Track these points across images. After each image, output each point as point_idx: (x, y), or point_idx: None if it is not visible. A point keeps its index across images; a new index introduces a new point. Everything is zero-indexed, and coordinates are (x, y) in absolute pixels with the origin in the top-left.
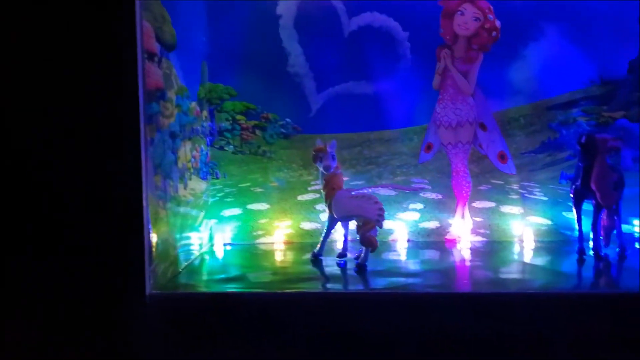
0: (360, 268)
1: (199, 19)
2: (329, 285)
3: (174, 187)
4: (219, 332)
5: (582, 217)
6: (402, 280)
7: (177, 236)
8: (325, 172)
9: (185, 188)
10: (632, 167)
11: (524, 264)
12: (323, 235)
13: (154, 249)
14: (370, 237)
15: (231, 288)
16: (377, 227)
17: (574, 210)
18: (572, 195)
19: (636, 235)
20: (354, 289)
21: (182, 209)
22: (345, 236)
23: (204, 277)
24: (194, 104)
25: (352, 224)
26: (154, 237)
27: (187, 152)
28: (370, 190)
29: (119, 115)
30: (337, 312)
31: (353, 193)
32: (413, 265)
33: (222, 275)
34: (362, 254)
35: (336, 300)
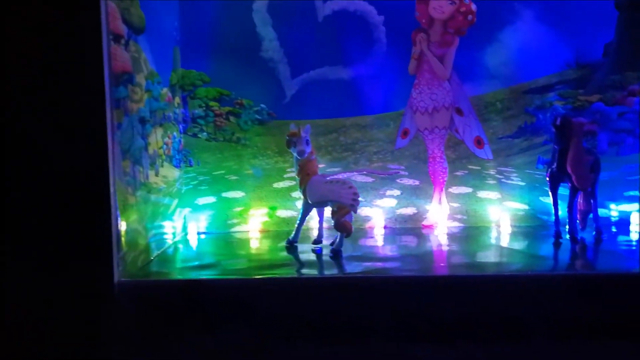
0: (335, 253)
1: (170, 3)
2: (303, 271)
3: (144, 174)
4: (191, 320)
5: (559, 201)
6: (378, 264)
7: (149, 224)
8: (299, 158)
9: (156, 175)
10: (608, 151)
11: (501, 248)
12: (298, 221)
13: (122, 236)
14: (344, 223)
15: (204, 275)
16: (352, 213)
17: (550, 193)
18: (547, 179)
19: (613, 219)
20: (328, 274)
21: (153, 197)
22: (321, 222)
23: (177, 265)
24: (165, 90)
25: (328, 212)
26: (122, 224)
27: (158, 138)
28: (345, 175)
29: (83, 98)
30: (311, 297)
31: (328, 179)
32: (390, 251)
33: (195, 263)
34: (337, 240)
35: (310, 285)
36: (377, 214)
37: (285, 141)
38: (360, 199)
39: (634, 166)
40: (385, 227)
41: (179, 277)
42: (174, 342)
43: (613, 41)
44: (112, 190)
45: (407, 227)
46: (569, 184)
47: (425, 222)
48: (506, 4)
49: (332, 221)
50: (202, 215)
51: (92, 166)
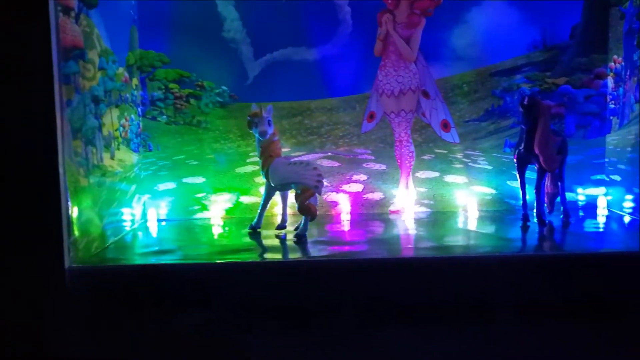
0: (300, 238)
1: None
2: (266, 256)
3: (97, 156)
4: (148, 307)
5: (526, 183)
6: (344, 248)
7: (104, 210)
8: (261, 139)
9: (112, 158)
10: (575, 134)
11: (469, 231)
12: (260, 206)
13: (74, 221)
14: (309, 205)
15: (162, 261)
16: (317, 195)
17: (517, 175)
18: (515, 160)
19: (580, 203)
20: (292, 258)
21: (108, 181)
22: (284, 207)
23: (134, 251)
24: (121, 70)
25: (292, 197)
26: (74, 208)
27: (114, 119)
28: (310, 157)
29: (29, 71)
30: (275, 281)
31: (292, 160)
32: (356, 235)
33: (154, 249)
34: (301, 224)
35: (274, 269)
36: (343, 199)
37: (247, 122)
38: (325, 182)
39: (600, 149)
40: (351, 213)
41: (135, 262)
42: (128, 330)
43: (580, 23)
44: (61, 171)
45: (374, 213)
46: (537, 166)
47: (392, 208)
48: None
49: (296, 205)
50: (162, 202)
51: (39, 145)
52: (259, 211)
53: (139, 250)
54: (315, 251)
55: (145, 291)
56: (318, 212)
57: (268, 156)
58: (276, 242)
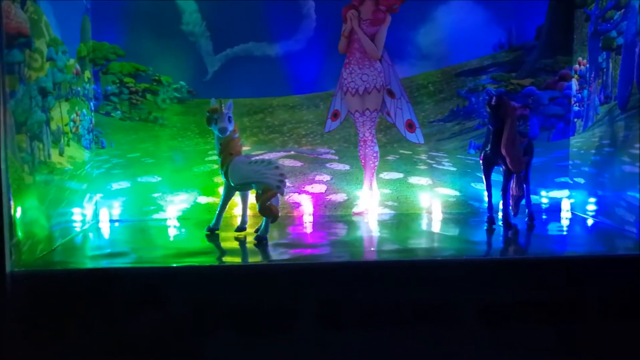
0: (260, 240)
1: None
2: (224, 259)
3: (45, 152)
4: (96, 313)
5: (492, 186)
6: (305, 251)
7: (51, 210)
8: (220, 136)
9: (61, 154)
10: (540, 136)
11: (433, 234)
12: (219, 207)
13: (16, 221)
14: (270, 206)
15: (112, 264)
16: (279, 195)
17: (483, 177)
18: (481, 161)
19: (543, 206)
20: (251, 262)
21: (56, 179)
22: (244, 208)
23: (83, 254)
24: (72, 61)
25: (252, 197)
26: (17, 208)
27: (63, 114)
28: (272, 156)
29: None
30: (233, 285)
31: (253, 159)
32: (318, 238)
33: (104, 251)
34: (262, 226)
35: (232, 272)
36: (305, 200)
37: (206, 118)
38: (287, 182)
39: (564, 152)
40: (314, 215)
41: (83, 266)
42: (75, 338)
43: (545, 24)
44: (2, 167)
45: (338, 214)
46: (503, 167)
47: (355, 209)
48: None
49: (257, 206)
50: (116, 202)
51: None
52: (217, 212)
53: (89, 253)
54: (275, 254)
55: (93, 297)
56: (280, 214)
57: (228, 154)
58: (235, 244)
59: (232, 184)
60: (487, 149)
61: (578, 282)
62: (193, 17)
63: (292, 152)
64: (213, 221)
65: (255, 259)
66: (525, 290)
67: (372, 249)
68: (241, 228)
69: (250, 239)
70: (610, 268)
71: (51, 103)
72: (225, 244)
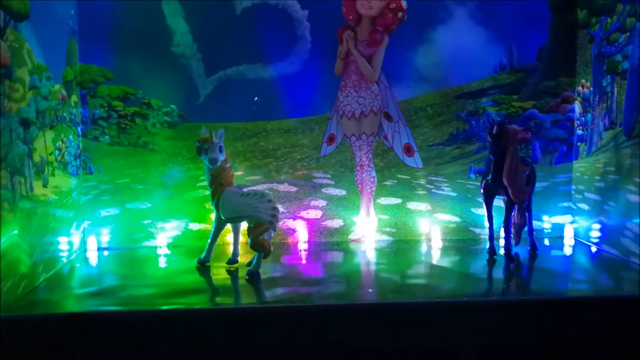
0: (252, 275)
1: None
2: (215, 299)
3: (27, 185)
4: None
5: (493, 216)
6: (299, 290)
7: (35, 242)
8: (211, 167)
9: (45, 186)
10: (542, 160)
11: (432, 267)
12: (210, 238)
13: None
14: (262, 242)
15: (95, 305)
16: (271, 231)
17: (484, 206)
18: (482, 191)
19: (546, 232)
20: (238, 304)
21: (40, 211)
22: (236, 240)
23: (67, 292)
24: (57, 87)
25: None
26: None
27: (48, 143)
28: (265, 187)
29: None
30: (223, 329)
31: (245, 190)
32: (313, 271)
33: (90, 289)
34: (254, 260)
35: (223, 315)
36: (301, 226)
37: (196, 148)
38: (280, 215)
39: (567, 176)
40: (309, 242)
41: (65, 309)
42: None
43: (547, 44)
44: None
45: (333, 241)
46: (505, 198)
47: (352, 236)
48: (439, 2)
49: (248, 240)
50: (104, 229)
51: None
52: (208, 243)
53: (73, 291)
54: (268, 293)
55: (75, 343)
56: (273, 242)
57: (218, 185)
58: (226, 280)
59: (223, 218)
60: (488, 178)
61: (581, 324)
62: (184, 38)
63: (286, 183)
64: (204, 253)
65: (246, 299)
66: (530, 333)
67: (369, 289)
68: (233, 260)
69: (242, 274)
70: (616, 308)
71: (34, 134)
72: (215, 279)
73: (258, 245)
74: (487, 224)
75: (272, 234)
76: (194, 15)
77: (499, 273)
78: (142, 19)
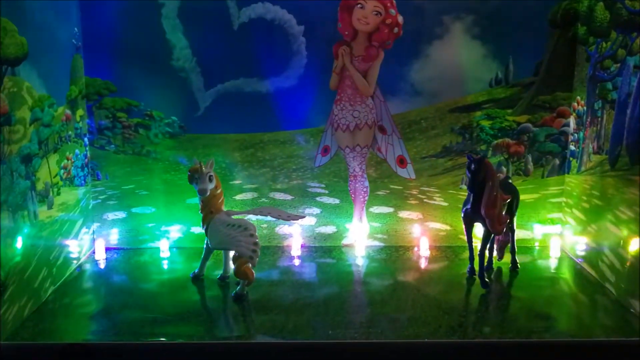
0: (239, 297)
1: (67, 8)
2: (199, 329)
3: (30, 215)
4: None
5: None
6: (283, 320)
7: (43, 259)
8: (200, 196)
9: (50, 208)
10: (534, 173)
11: (408, 296)
12: (202, 255)
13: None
14: (246, 270)
15: (85, 335)
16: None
17: (465, 231)
18: (462, 218)
19: (534, 241)
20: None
21: (46, 233)
22: (226, 259)
23: (68, 312)
24: (61, 109)
25: None
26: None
27: (52, 167)
28: (253, 217)
29: None
30: None
31: (231, 219)
32: (301, 292)
33: (88, 310)
34: (239, 286)
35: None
36: (296, 231)
37: (188, 176)
38: (258, 250)
39: (558, 188)
40: (303, 246)
41: (60, 340)
42: None
43: (544, 59)
44: None
45: (326, 246)
46: (484, 227)
47: (345, 241)
48: (435, 17)
49: (233, 268)
50: (112, 231)
51: None
52: (201, 259)
53: (75, 310)
54: (257, 323)
55: None
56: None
57: (208, 212)
58: (217, 303)
59: (210, 246)
60: (467, 207)
61: None
62: (184, 53)
63: (269, 217)
64: (197, 269)
65: (231, 330)
66: None
67: (356, 335)
68: (224, 277)
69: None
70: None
71: (37, 165)
72: (206, 302)
73: (241, 274)
74: (467, 248)
75: (256, 262)
76: (193, 31)
77: (474, 301)
78: (143, 34)
